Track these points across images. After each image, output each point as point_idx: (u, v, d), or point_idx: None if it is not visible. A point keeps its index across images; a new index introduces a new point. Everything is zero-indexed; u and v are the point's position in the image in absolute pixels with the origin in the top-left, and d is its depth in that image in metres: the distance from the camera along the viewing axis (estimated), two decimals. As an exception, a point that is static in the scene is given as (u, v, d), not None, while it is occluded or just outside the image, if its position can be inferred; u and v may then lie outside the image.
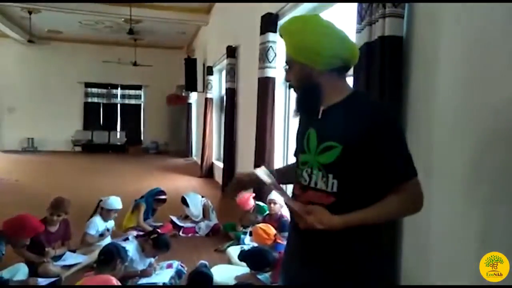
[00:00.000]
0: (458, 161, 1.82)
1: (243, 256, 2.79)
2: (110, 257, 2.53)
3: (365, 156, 1.16)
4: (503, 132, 1.58)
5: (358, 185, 1.19)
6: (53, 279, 2.93)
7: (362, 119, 1.16)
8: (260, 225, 3.50)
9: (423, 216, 1.70)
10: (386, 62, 2.13)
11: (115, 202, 3.78)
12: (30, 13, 9.55)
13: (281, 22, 4.49)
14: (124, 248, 2.82)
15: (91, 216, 3.76)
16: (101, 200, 3.83)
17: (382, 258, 1.34)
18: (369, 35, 2.24)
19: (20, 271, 2.90)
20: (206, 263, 3.31)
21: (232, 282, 2.87)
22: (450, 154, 1.87)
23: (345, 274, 1.21)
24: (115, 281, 2.38)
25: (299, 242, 1.32)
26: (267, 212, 3.92)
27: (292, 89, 1.35)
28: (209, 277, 2.55)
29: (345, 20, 2.95)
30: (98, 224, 3.68)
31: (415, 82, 2.11)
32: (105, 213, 3.74)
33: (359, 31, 2.35)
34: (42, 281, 2.84)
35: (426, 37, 2.04)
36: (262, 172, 1.26)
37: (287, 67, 1.33)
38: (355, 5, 2.43)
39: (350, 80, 2.47)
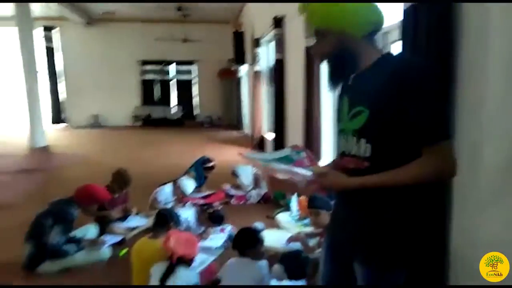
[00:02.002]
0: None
1: (281, 259, 2.72)
2: (164, 220, 2.72)
3: (394, 118, 1.13)
4: None
5: (391, 149, 1.16)
6: (119, 238, 3.27)
7: (388, 79, 1.12)
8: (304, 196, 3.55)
9: (472, 187, 1.65)
10: (434, 25, 2.00)
11: (188, 187, 4.17)
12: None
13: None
14: (176, 213, 2.99)
15: (163, 184, 4.12)
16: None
17: (433, 218, 1.28)
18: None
19: (90, 231, 3.26)
20: (260, 226, 3.41)
21: (280, 246, 2.98)
22: (506, 125, 1.74)
23: (394, 224, 1.21)
24: (196, 239, 2.57)
25: (345, 203, 1.34)
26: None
27: (324, 61, 1.31)
28: (255, 235, 2.52)
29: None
30: (167, 194, 4.02)
31: (466, 47, 1.93)
32: (176, 189, 4.12)
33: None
34: (109, 239, 3.18)
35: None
36: (251, 158, 1.22)
37: (315, 39, 1.29)
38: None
39: (398, 46, 2.32)
